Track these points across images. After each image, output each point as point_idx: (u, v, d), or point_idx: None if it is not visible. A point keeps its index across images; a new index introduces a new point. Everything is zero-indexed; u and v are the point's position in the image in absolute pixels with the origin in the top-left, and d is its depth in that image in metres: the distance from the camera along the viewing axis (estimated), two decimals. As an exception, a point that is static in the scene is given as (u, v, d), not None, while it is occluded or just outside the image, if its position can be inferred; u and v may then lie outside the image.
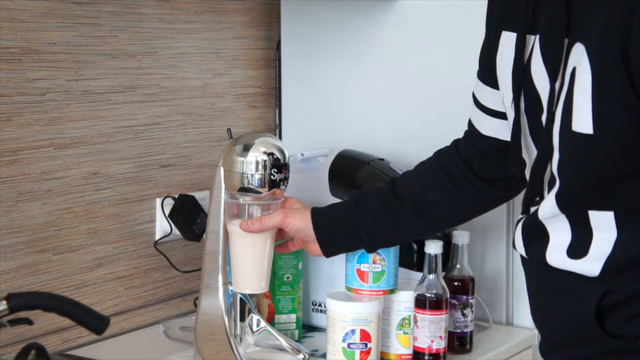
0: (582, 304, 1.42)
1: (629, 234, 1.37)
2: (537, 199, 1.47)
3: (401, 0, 2.21)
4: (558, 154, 1.39)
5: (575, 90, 1.35)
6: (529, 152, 1.49)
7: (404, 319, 1.86)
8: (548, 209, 1.43)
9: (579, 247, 1.41)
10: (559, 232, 1.43)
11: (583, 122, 1.35)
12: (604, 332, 1.40)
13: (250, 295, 1.81)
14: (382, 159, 2.07)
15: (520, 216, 1.52)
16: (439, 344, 1.85)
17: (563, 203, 1.41)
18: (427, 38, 2.19)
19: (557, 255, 1.44)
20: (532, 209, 1.49)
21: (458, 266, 1.95)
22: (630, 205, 1.37)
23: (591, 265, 1.40)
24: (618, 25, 1.31)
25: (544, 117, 1.43)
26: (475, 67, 1.67)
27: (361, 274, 1.81)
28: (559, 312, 1.46)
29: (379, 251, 1.79)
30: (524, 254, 1.51)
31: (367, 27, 2.26)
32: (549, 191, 1.44)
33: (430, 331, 1.84)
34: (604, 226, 1.39)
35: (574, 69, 1.36)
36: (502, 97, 1.54)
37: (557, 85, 1.40)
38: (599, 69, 1.33)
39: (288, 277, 1.97)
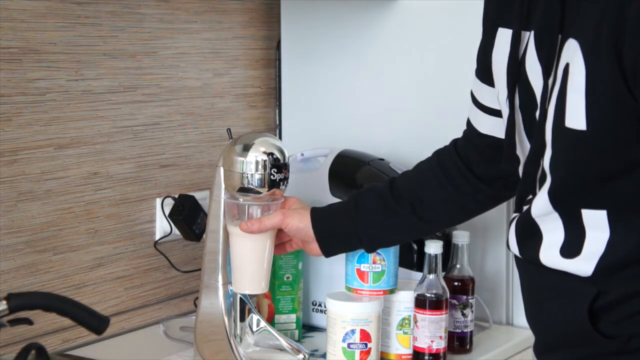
0: (575, 304, 1.42)
1: (622, 233, 1.37)
2: (530, 197, 1.47)
3: (401, 0, 2.21)
4: (550, 150, 1.39)
5: (568, 86, 1.36)
6: (523, 149, 1.49)
7: (404, 319, 1.86)
8: (541, 206, 1.43)
9: (572, 246, 1.41)
10: (552, 232, 1.43)
11: (576, 118, 1.35)
12: (598, 333, 1.40)
13: (250, 295, 1.81)
14: (382, 159, 2.07)
15: (514, 215, 1.52)
16: (439, 344, 1.85)
17: (555, 200, 1.41)
18: (427, 38, 2.19)
19: (550, 254, 1.44)
20: (525, 208, 1.49)
21: (458, 266, 1.95)
22: (623, 204, 1.37)
23: (584, 264, 1.40)
24: (611, 21, 1.31)
25: (538, 114, 1.43)
26: (474, 66, 1.67)
27: (361, 274, 1.81)
28: (552, 313, 1.46)
29: (379, 251, 1.79)
30: (517, 253, 1.51)
31: (367, 27, 2.26)
32: (540, 188, 1.44)
33: (430, 331, 1.84)
34: (596, 225, 1.39)
35: (567, 65, 1.36)
36: (498, 94, 1.54)
37: (550, 82, 1.40)
38: (592, 65, 1.33)
39: (288, 277, 1.97)
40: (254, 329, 1.83)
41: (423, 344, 1.85)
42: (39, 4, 1.87)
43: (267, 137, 1.76)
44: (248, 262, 1.76)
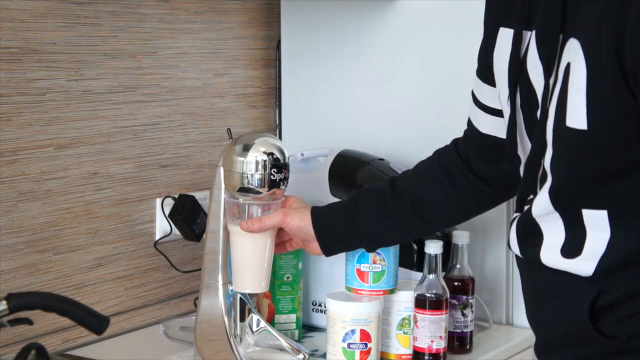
0: (576, 304, 1.42)
1: (623, 233, 1.37)
2: (531, 196, 1.47)
3: (401, 0, 2.21)
4: (551, 149, 1.40)
5: (569, 85, 1.36)
6: (524, 149, 1.50)
7: (404, 319, 1.86)
8: (541, 206, 1.43)
9: (573, 246, 1.41)
10: (553, 232, 1.43)
11: (577, 117, 1.35)
12: (598, 333, 1.40)
13: (250, 295, 1.82)
14: (382, 159, 2.07)
15: (515, 215, 1.53)
16: (439, 344, 1.85)
17: (556, 200, 1.41)
18: (427, 38, 2.19)
19: (551, 254, 1.44)
20: (526, 208, 1.49)
21: (458, 266, 1.95)
22: (623, 204, 1.37)
23: (585, 264, 1.40)
24: (612, 20, 1.31)
25: (539, 113, 1.43)
26: (475, 66, 1.67)
27: (361, 274, 1.81)
28: (553, 313, 1.46)
29: (379, 251, 1.79)
30: (518, 253, 1.51)
31: (367, 27, 2.26)
32: (540, 188, 1.44)
33: (430, 331, 1.84)
34: (597, 225, 1.39)
35: (568, 65, 1.37)
36: (499, 94, 1.54)
37: (551, 81, 1.40)
38: (593, 65, 1.33)
39: (288, 277, 1.97)
40: (254, 329, 1.83)
41: (423, 344, 1.85)
42: (39, 4, 1.87)
43: (267, 137, 1.76)
44: (248, 261, 1.76)
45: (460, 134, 1.76)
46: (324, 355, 1.85)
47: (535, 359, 1.56)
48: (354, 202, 1.75)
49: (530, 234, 1.47)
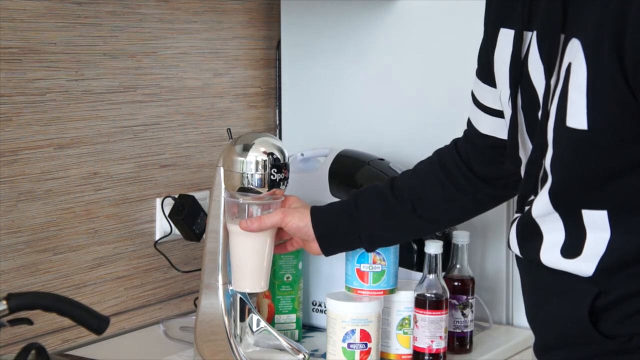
0: (576, 304, 1.42)
1: (623, 233, 1.37)
2: (532, 197, 1.47)
3: (401, 0, 2.21)
4: (552, 150, 1.40)
5: (570, 85, 1.36)
6: (525, 149, 1.50)
7: (404, 319, 1.86)
8: (541, 207, 1.43)
9: (572, 246, 1.41)
10: (553, 232, 1.43)
11: (577, 117, 1.35)
12: (598, 333, 1.40)
13: (250, 294, 1.82)
14: (382, 159, 2.07)
15: (515, 215, 1.53)
16: (439, 344, 1.85)
17: (556, 200, 1.41)
18: (427, 38, 2.19)
19: (551, 254, 1.44)
20: (526, 208, 1.49)
21: (458, 266, 1.95)
22: (623, 204, 1.37)
23: (585, 264, 1.40)
24: (613, 20, 1.31)
25: (540, 114, 1.43)
26: (475, 67, 1.67)
27: (361, 274, 1.81)
28: (553, 313, 1.46)
29: (378, 251, 1.79)
30: (518, 253, 1.51)
31: (367, 27, 2.26)
32: (541, 188, 1.44)
33: (430, 331, 1.84)
34: (597, 225, 1.39)
35: (569, 65, 1.37)
36: (500, 95, 1.54)
37: (552, 81, 1.40)
38: (594, 65, 1.33)
39: (288, 277, 1.97)
40: (254, 329, 1.83)
41: (423, 344, 1.85)
42: (39, 4, 1.87)
43: (267, 137, 1.76)
44: (248, 260, 1.76)
45: (460, 134, 1.76)
46: (324, 355, 1.85)
47: (535, 359, 1.56)
48: (354, 201, 1.75)
49: (530, 235, 1.47)
